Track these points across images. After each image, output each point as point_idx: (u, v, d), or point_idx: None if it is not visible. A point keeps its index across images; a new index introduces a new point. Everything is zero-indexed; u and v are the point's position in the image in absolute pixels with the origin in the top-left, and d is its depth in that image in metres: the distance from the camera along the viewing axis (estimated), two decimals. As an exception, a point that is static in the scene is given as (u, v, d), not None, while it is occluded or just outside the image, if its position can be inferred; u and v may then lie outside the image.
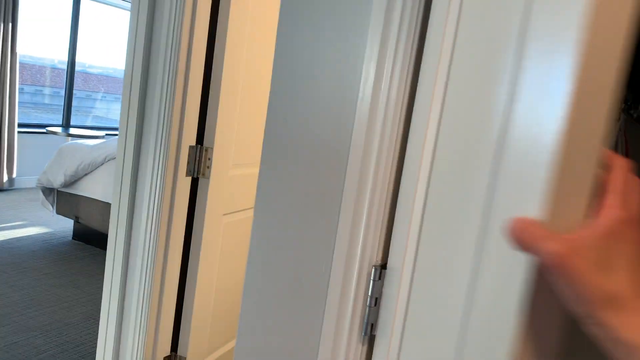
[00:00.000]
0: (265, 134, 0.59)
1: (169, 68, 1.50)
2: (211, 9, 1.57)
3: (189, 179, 1.65)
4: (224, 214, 1.81)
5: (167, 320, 1.69)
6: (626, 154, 0.93)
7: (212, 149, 1.65)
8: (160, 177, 1.56)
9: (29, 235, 3.96)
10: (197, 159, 1.64)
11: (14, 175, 5.29)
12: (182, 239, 1.68)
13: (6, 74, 4.89)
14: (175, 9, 1.46)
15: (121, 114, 1.58)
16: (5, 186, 5.22)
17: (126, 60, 1.54)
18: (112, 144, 3.86)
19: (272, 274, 0.60)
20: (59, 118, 5.92)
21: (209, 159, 1.65)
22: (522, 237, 0.40)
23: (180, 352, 1.75)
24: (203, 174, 1.67)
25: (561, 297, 0.40)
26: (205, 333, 1.86)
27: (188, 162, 1.61)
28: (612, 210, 0.39)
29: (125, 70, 1.55)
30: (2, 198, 4.93)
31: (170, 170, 1.57)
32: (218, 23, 1.60)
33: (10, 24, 4.82)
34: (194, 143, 1.63)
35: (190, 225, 1.70)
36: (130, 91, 1.55)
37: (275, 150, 0.60)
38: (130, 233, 1.62)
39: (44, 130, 5.50)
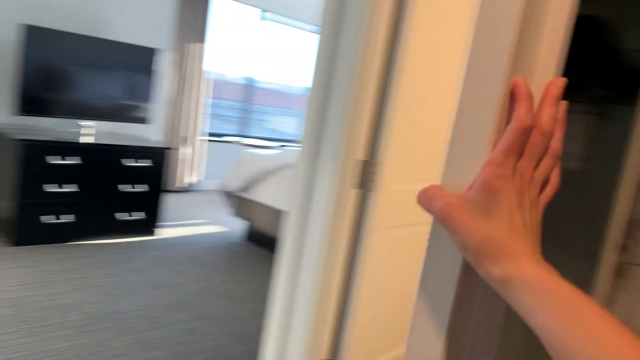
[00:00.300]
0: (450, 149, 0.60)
1: (348, 88, 1.58)
2: (390, 25, 1.61)
3: (357, 191, 1.71)
4: (388, 227, 1.83)
5: (328, 325, 1.76)
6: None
7: (380, 163, 1.69)
8: (331, 189, 1.64)
9: (208, 233, 4.40)
10: (365, 172, 1.69)
11: (201, 178, 5.94)
12: (347, 249, 1.74)
13: (197, 89, 5.52)
14: (357, 33, 1.53)
15: (302, 127, 1.70)
16: (193, 187, 5.88)
17: (312, 79, 1.66)
18: (285, 155, 4.14)
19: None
20: (236, 129, 6.51)
21: (376, 173, 1.69)
22: (422, 200, 0.48)
23: (339, 357, 1.80)
24: (369, 188, 1.71)
25: (455, 247, 0.46)
26: (365, 340, 1.89)
27: (358, 175, 1.67)
28: (489, 167, 0.44)
29: (309, 88, 1.67)
30: (189, 198, 5.56)
31: (339, 182, 1.64)
32: (394, 43, 1.64)
33: (198, 45, 5.43)
34: (364, 157, 1.68)
35: (355, 236, 1.76)
36: (311, 107, 1.66)
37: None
38: (301, 239, 1.72)
39: (224, 139, 6.10)
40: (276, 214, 3.85)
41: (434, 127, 1.92)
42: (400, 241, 1.94)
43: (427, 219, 0.59)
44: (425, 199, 0.48)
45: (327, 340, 1.79)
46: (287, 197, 1.72)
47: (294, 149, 4.51)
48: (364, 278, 1.78)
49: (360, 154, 1.68)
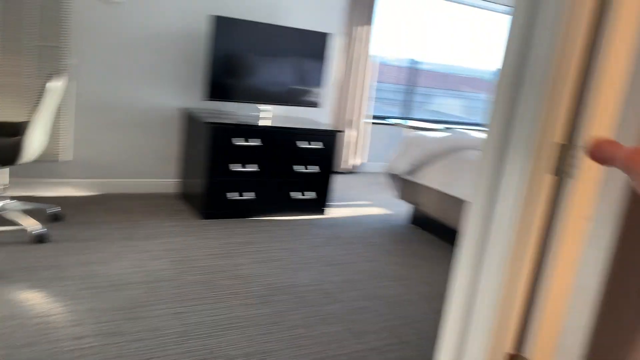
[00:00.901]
0: None
1: (544, 68, 1.46)
2: (598, -5, 1.45)
3: (552, 177, 1.58)
4: (586, 219, 1.67)
5: (514, 318, 1.67)
6: None
7: (581, 146, 1.54)
8: (522, 175, 1.54)
9: (373, 214, 4.46)
10: (564, 156, 1.56)
11: (365, 160, 6.04)
12: (539, 238, 1.63)
13: (363, 73, 5.58)
14: (557, 10, 1.40)
15: (490, 108, 1.61)
16: (357, 169, 6.00)
17: (502, 60, 1.56)
18: (453, 137, 4.01)
19: None
20: (398, 111, 6.47)
21: (577, 157, 1.55)
22: (597, 153, 0.52)
23: (525, 352, 1.71)
24: (568, 174, 1.57)
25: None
26: (553, 336, 1.77)
27: (555, 160, 1.54)
28: None
29: (500, 69, 1.58)
30: (353, 179, 5.68)
31: (532, 167, 1.53)
32: (602, 15, 1.47)
33: (366, 27, 5.45)
34: (562, 140, 1.55)
35: (549, 227, 1.63)
36: (500, 90, 1.57)
37: None
38: (486, 227, 1.65)
39: (387, 122, 6.10)
40: (443, 199, 3.76)
41: None
42: (598, 233, 1.76)
43: None
44: (602, 151, 0.51)
45: (512, 334, 1.71)
46: (470, 184, 1.66)
47: (464, 131, 4.35)
48: (558, 270, 1.65)
49: (558, 136, 1.55)
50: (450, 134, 4.15)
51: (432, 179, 3.87)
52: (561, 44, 1.46)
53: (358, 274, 3.16)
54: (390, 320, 2.61)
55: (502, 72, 1.61)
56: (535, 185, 1.58)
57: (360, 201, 4.85)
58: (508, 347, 1.74)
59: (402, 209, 4.70)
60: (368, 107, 5.79)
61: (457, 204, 3.62)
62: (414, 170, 4.05)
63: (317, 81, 4.24)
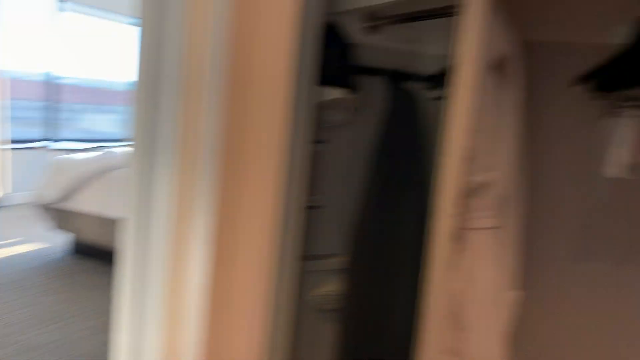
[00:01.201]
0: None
1: (178, 74, 1.51)
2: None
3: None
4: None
5: (184, 330, 1.70)
6: None
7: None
8: (173, 183, 1.56)
9: (25, 252, 3.93)
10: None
11: (8, 191, 5.24)
12: (199, 245, 1.69)
13: (-7, 90, 4.84)
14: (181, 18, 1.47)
15: (132, 126, 1.58)
16: (1, 203, 5.17)
17: (137, 71, 1.55)
18: (105, 157, 3.85)
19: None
20: (45, 132, 5.86)
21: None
22: None
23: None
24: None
25: None
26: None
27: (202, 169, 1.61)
28: None
29: (136, 80, 1.56)
30: (-5, 215, 4.88)
31: (180, 179, 1.58)
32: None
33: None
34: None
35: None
36: (139, 100, 1.55)
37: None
38: (144, 245, 1.62)
39: (32, 145, 5.46)
40: (103, 222, 3.57)
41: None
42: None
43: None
44: None
45: (184, 347, 1.73)
46: (123, 203, 1.61)
47: (119, 149, 4.21)
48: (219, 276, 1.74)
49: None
50: (101, 153, 3.96)
51: (88, 203, 3.63)
52: (189, 49, 1.52)
53: (11, 326, 2.72)
54: (58, 368, 2.35)
55: (139, 83, 1.59)
56: (187, 192, 1.62)
57: (8, 240, 4.20)
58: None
59: (59, 240, 4.27)
60: (3, 130, 5.04)
61: (119, 225, 3.49)
62: (66, 196, 3.72)
63: None
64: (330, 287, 1.60)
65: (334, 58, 1.51)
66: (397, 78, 1.56)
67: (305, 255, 1.56)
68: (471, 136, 1.02)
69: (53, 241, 4.24)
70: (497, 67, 1.12)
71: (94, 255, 3.87)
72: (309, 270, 1.62)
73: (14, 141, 5.36)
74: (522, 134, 1.16)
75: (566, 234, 1.30)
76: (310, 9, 1.56)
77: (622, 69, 0.96)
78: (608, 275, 1.27)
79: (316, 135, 1.53)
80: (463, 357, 1.08)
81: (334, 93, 1.53)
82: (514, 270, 1.18)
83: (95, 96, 6.82)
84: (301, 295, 1.61)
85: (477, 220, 1.07)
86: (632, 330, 1.28)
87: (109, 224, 3.53)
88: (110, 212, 3.50)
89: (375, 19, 1.54)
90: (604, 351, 1.33)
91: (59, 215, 3.81)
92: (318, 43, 1.51)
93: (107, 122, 7.08)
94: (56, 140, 5.91)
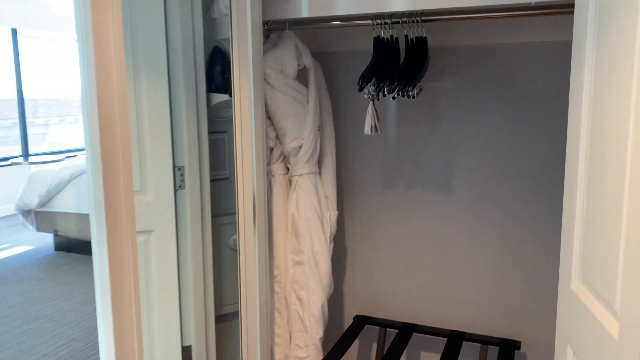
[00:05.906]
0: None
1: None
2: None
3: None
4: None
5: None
6: (377, 120, 1.66)
7: (184, 167, 2.30)
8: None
9: (15, 254, 4.55)
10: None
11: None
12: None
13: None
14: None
15: (85, 135, 2.22)
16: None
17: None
18: (74, 164, 4.47)
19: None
20: (14, 149, 6.41)
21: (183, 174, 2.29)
22: None
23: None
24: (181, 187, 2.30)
25: None
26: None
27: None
28: None
29: (81, 95, 2.19)
30: (-18, 228, 5.47)
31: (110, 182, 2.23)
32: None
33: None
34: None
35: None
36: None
37: None
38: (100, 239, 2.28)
39: (6, 163, 6.02)
40: (80, 219, 4.21)
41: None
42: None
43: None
44: None
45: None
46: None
47: (84, 156, 4.82)
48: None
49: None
50: (68, 161, 4.58)
51: (66, 204, 4.27)
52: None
53: (15, 306, 3.37)
54: (57, 329, 3.01)
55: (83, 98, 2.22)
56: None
57: (-3, 246, 4.82)
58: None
59: (42, 242, 4.89)
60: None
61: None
62: (45, 201, 4.34)
63: None
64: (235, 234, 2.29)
65: (219, 72, 2.18)
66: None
67: (217, 213, 2.23)
68: (282, 120, 1.71)
69: (37, 243, 4.87)
70: (301, 73, 1.79)
71: (75, 248, 4.52)
72: (222, 223, 2.29)
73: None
74: (322, 115, 1.85)
75: (369, 171, 2.02)
76: (197, 39, 2.22)
77: (369, 74, 1.62)
78: (402, 197, 1.98)
79: (216, 127, 2.19)
80: (303, 253, 1.78)
81: (222, 97, 2.19)
82: (332, 198, 1.86)
83: (57, 110, 7.35)
84: (219, 240, 2.29)
85: (298, 169, 1.75)
86: (419, 230, 2.00)
87: (85, 220, 4.17)
88: (84, 209, 4.14)
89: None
90: (402, 245, 2.05)
91: (39, 217, 4.44)
92: (207, 62, 2.16)
93: (71, 133, 7.62)
94: (29, 155, 6.47)
